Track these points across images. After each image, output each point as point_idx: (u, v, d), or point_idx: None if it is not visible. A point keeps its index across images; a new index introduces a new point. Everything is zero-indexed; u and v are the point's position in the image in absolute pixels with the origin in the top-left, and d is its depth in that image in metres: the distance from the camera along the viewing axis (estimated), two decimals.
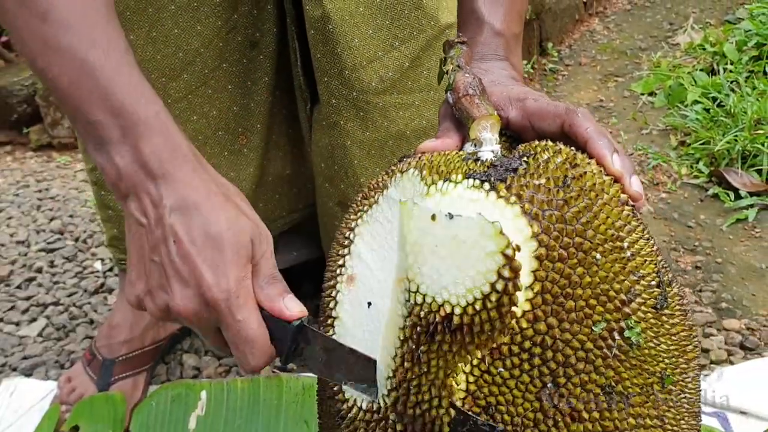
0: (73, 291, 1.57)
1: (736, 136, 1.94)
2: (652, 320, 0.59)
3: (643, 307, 0.59)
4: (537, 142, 0.65)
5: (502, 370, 0.56)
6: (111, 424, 1.15)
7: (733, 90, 2.17)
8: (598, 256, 0.57)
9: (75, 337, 1.43)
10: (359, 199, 0.69)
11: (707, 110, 2.14)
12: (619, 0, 3.08)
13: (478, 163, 0.63)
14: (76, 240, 1.77)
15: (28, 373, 1.34)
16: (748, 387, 1.22)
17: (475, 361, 0.57)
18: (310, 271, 1.60)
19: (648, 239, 0.62)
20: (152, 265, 0.66)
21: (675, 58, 2.56)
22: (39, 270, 1.65)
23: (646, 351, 0.59)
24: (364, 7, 1.10)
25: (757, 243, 1.70)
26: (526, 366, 0.56)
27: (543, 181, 0.59)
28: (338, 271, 0.68)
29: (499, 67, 0.81)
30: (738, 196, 1.85)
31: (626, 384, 0.58)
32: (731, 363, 1.33)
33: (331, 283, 0.68)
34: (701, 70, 2.38)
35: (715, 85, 2.21)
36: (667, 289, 0.62)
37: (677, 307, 0.63)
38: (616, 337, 0.57)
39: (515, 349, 0.56)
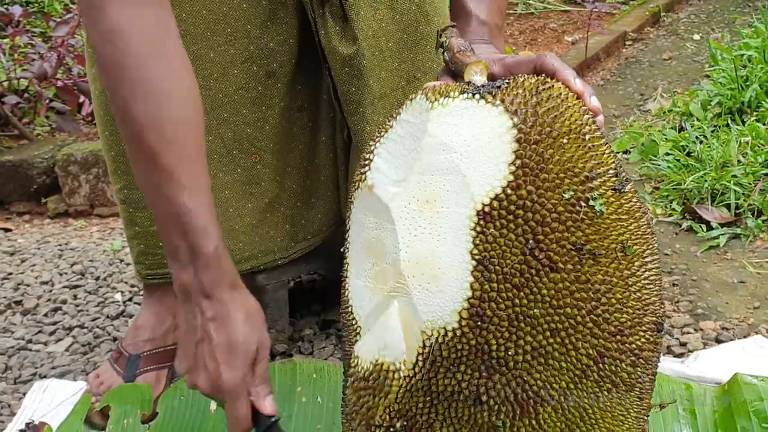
0: (96, 317, 1.68)
1: (705, 175, 2.12)
2: (612, 199, 0.74)
3: (603, 187, 0.74)
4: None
5: (493, 230, 0.71)
6: (139, 405, 1.25)
7: (700, 141, 2.37)
8: (565, 140, 0.73)
9: (100, 351, 1.54)
10: (376, 132, 0.85)
11: (678, 160, 2.32)
12: (593, 77, 3.33)
13: (471, 86, 0.80)
14: (97, 279, 1.89)
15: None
16: (720, 364, 1.33)
17: (471, 225, 0.71)
18: (318, 291, 1.73)
19: (607, 144, 0.78)
20: (194, 353, 0.94)
21: (646, 122, 2.77)
22: (63, 302, 1.77)
23: (609, 221, 0.73)
24: (394, 42, 1.26)
25: (728, 264, 1.84)
26: (512, 225, 0.71)
27: (520, 91, 0.76)
28: (358, 185, 0.83)
29: (486, 49, 0.99)
30: (710, 228, 2.00)
31: (594, 245, 0.72)
32: None
33: (354, 191, 0.84)
34: (671, 128, 2.59)
35: (684, 139, 2.41)
36: (624, 182, 0.77)
37: (635, 200, 0.78)
38: (583, 204, 0.72)
39: (503, 212, 0.71)
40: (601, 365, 0.73)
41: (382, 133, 0.84)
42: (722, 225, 2.00)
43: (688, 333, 1.53)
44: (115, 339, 1.58)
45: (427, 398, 0.73)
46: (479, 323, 0.70)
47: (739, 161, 2.16)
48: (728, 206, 2.04)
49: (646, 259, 0.77)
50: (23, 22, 3.21)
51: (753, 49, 2.78)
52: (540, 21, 4.28)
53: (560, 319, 0.71)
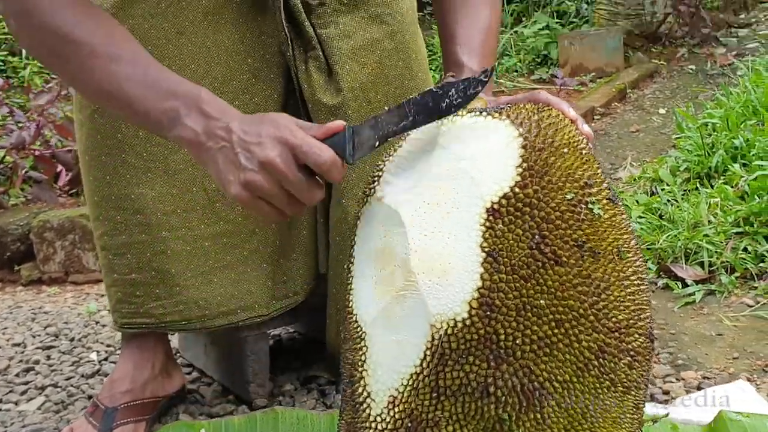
0: (71, 375, 1.64)
1: (678, 235, 2.16)
2: (608, 207, 0.79)
3: (600, 194, 0.79)
4: None
5: (501, 225, 0.74)
6: None
7: (671, 203, 2.42)
8: (565, 150, 0.79)
9: (74, 410, 1.49)
10: (384, 151, 0.90)
11: (650, 222, 2.37)
12: None
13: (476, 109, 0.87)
14: (72, 340, 1.86)
15: None
16: (704, 407, 1.33)
17: (481, 221, 0.75)
18: (297, 349, 1.71)
19: (599, 166, 0.82)
20: (239, 156, 0.92)
21: (618, 188, 2.84)
22: (36, 362, 1.72)
23: (606, 225, 0.78)
24: (382, 94, 1.32)
25: (705, 318, 1.86)
26: (519, 221, 0.75)
27: (523, 110, 0.83)
28: (366, 200, 0.88)
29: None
30: (685, 285, 2.03)
31: (593, 243, 0.77)
32: None
33: (361, 208, 0.88)
34: (643, 193, 2.65)
35: (656, 202, 2.47)
36: (616, 198, 0.82)
37: (627, 219, 0.83)
38: (583, 206, 0.77)
39: (510, 209, 0.76)
40: (601, 360, 0.77)
41: (390, 152, 0.89)
42: (697, 282, 2.03)
43: (671, 382, 1.53)
44: (90, 397, 1.54)
45: (434, 395, 0.74)
46: (488, 312, 0.73)
47: (709, 221, 2.21)
48: (702, 264, 2.08)
49: (639, 268, 0.82)
50: (2, 95, 3.24)
51: (717, 118, 2.89)
52: None
53: (564, 311, 0.75)
